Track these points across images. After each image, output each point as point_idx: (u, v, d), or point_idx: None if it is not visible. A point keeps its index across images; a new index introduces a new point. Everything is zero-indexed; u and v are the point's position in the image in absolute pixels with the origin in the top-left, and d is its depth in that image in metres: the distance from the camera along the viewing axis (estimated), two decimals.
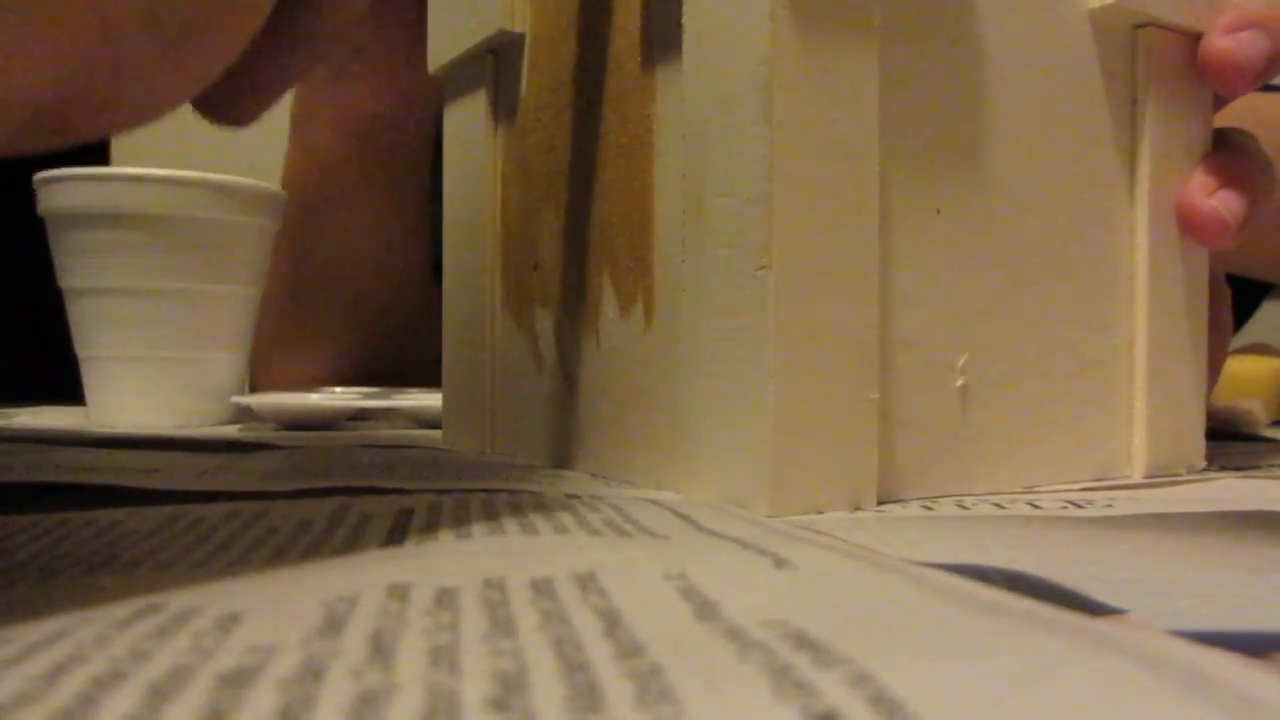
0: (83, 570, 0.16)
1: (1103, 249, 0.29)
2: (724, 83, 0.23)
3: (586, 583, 0.13)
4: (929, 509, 0.24)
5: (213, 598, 0.13)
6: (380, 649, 0.11)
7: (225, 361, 0.48)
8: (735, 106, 0.23)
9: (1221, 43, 0.29)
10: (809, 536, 0.19)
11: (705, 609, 0.12)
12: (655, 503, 0.22)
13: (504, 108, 0.35)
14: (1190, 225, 0.30)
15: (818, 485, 0.23)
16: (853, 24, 0.23)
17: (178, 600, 0.13)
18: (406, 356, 0.69)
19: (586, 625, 0.11)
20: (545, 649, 0.11)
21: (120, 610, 0.12)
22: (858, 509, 0.23)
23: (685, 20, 0.24)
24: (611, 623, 0.11)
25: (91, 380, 0.47)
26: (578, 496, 0.23)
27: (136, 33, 0.16)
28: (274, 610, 0.12)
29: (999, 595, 0.14)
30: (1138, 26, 0.29)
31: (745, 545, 0.16)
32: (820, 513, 0.23)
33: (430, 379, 0.69)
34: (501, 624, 0.11)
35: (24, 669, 0.10)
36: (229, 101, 0.20)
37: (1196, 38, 0.30)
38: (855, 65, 0.23)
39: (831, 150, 0.23)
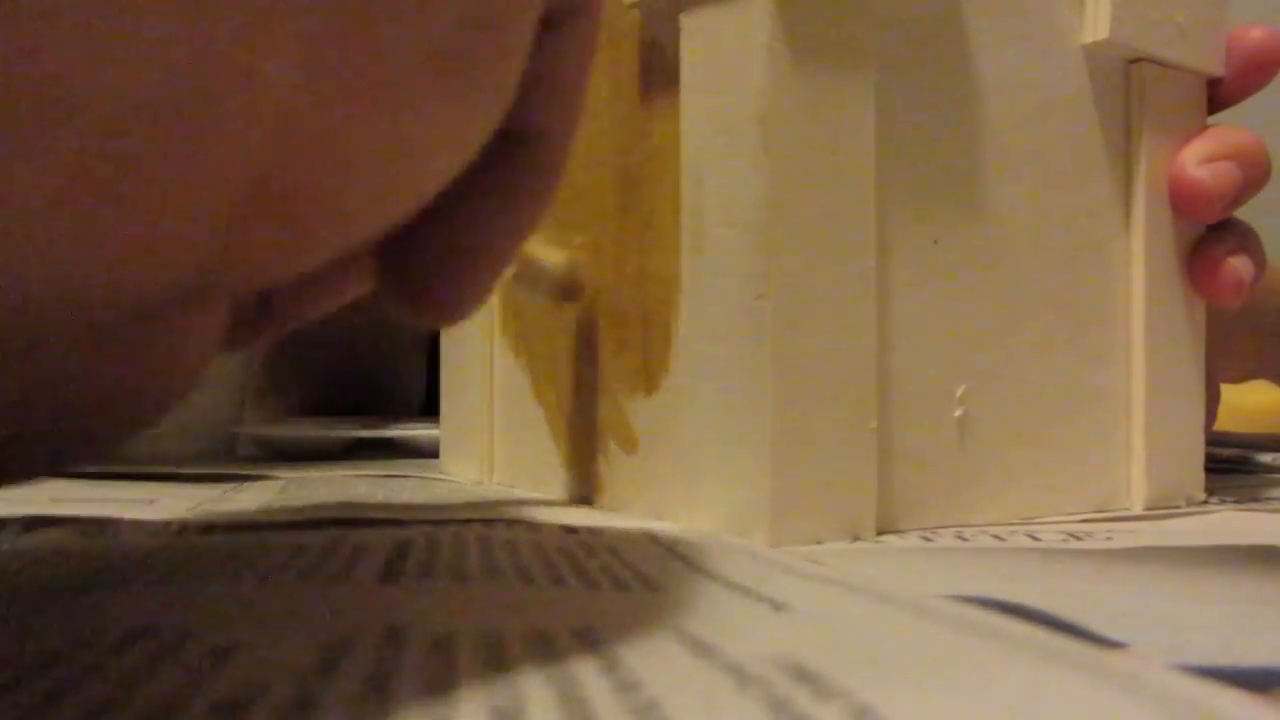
0: (78, 588, 0.15)
1: (1100, 280, 0.29)
2: (722, 114, 0.23)
3: (584, 634, 0.13)
4: (928, 540, 0.24)
5: (206, 626, 0.13)
6: (376, 684, 0.10)
7: (221, 392, 0.48)
8: (733, 137, 0.23)
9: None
10: (808, 570, 0.19)
11: (703, 650, 0.12)
12: (653, 539, 0.22)
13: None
14: (1177, 195, 0.30)
15: (817, 516, 0.23)
16: (849, 57, 0.23)
17: (171, 628, 0.13)
18: (394, 389, 0.69)
19: (584, 665, 0.11)
20: (542, 685, 0.11)
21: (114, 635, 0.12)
22: (857, 539, 0.23)
23: (683, 53, 0.24)
24: (610, 663, 0.11)
25: None
26: (575, 531, 0.23)
27: (399, 18, 0.10)
28: (268, 644, 0.12)
29: (1000, 622, 0.14)
30: (1130, 62, 0.30)
31: (745, 591, 0.16)
32: (820, 543, 0.22)
33: (415, 412, 0.69)
34: (498, 665, 0.11)
35: (15, 698, 0.10)
36: (436, 287, 0.15)
37: (1189, 73, 0.31)
38: (852, 97, 0.23)
39: (829, 181, 0.23)
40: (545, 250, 0.27)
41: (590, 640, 0.13)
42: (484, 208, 0.15)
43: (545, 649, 0.12)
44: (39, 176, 0.08)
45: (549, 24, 0.14)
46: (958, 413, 0.26)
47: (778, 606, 0.15)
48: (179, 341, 0.12)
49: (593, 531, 0.23)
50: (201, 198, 0.09)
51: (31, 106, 0.08)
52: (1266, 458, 0.45)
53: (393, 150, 0.11)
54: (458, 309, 0.15)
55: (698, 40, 0.24)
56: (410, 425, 0.51)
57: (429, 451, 0.45)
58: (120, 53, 0.08)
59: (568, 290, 0.27)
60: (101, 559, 0.19)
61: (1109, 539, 0.24)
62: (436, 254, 0.15)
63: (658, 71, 0.26)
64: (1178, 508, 0.30)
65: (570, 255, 0.28)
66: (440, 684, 0.11)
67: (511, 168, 0.15)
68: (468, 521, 0.24)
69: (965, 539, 0.24)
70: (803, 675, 0.11)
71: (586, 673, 0.11)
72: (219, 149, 0.09)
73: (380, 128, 0.11)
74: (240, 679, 0.11)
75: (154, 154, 0.09)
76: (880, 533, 0.24)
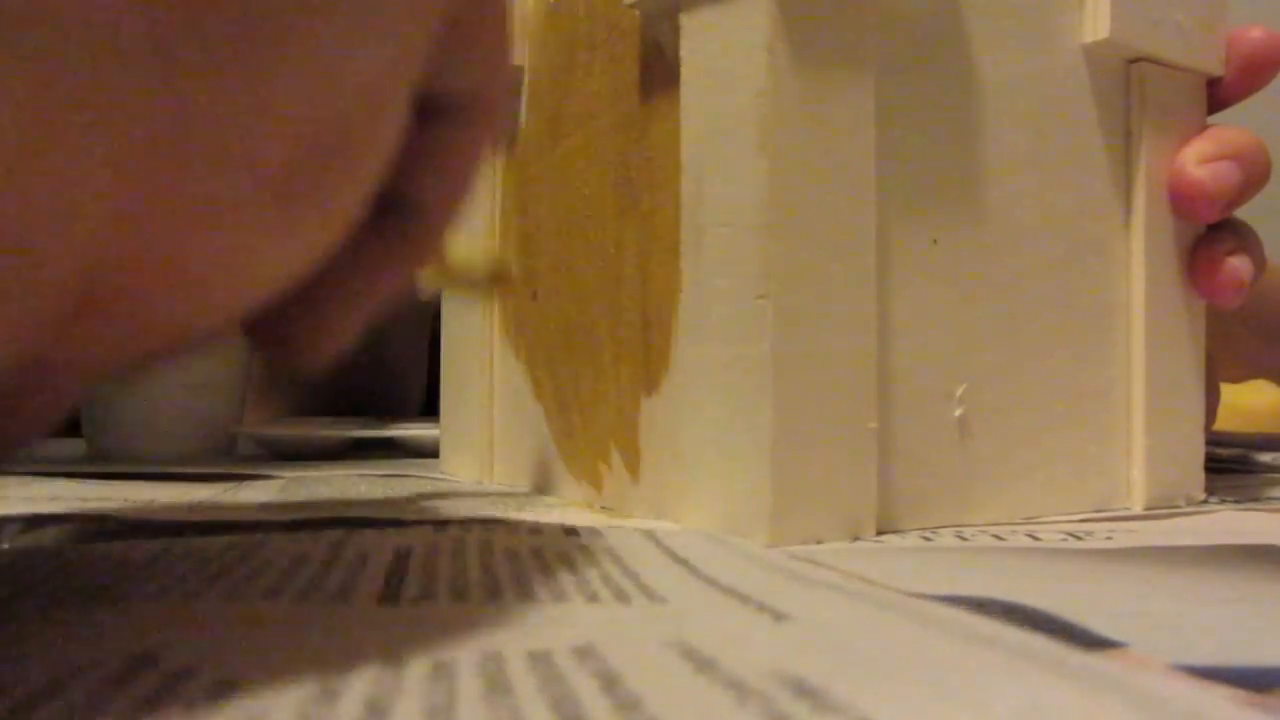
0: (80, 602, 0.15)
1: (1100, 280, 0.29)
2: (722, 115, 0.23)
3: (585, 653, 0.13)
4: (928, 540, 0.24)
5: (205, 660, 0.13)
6: (376, 709, 0.10)
7: (222, 391, 0.48)
8: (733, 138, 0.23)
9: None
10: (809, 575, 0.19)
11: (704, 665, 0.12)
12: (654, 542, 0.22)
13: (504, 138, 0.35)
14: (1177, 195, 0.30)
15: (817, 515, 0.23)
16: (849, 57, 0.23)
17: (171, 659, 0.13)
18: (391, 392, 0.69)
19: (584, 685, 0.11)
20: (543, 706, 0.10)
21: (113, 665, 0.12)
22: (857, 539, 0.23)
23: (683, 53, 0.24)
24: (610, 682, 0.11)
25: (89, 412, 0.47)
26: (576, 533, 0.23)
27: (229, 159, 0.12)
28: (268, 672, 0.12)
29: (998, 628, 0.14)
30: (1130, 61, 0.30)
31: (745, 600, 0.16)
32: (820, 543, 0.22)
33: (415, 412, 0.68)
34: (499, 686, 0.11)
35: None
36: (296, 335, 0.16)
37: (1189, 73, 0.31)
38: (852, 98, 0.23)
39: (828, 181, 0.23)
40: (465, 246, 0.28)
41: (591, 658, 0.13)
42: (345, 267, 0.15)
43: (546, 669, 0.12)
44: None
45: (440, 112, 0.16)
46: (958, 412, 0.26)
47: (779, 617, 0.15)
48: (17, 418, 0.13)
49: (593, 533, 0.23)
50: (16, 304, 0.11)
51: None
52: (1266, 458, 0.45)
53: (226, 263, 0.12)
54: (312, 354, 0.16)
55: (698, 40, 0.24)
56: (410, 425, 0.51)
57: (429, 451, 0.45)
58: None
59: (496, 278, 0.29)
60: (101, 562, 0.19)
61: (1109, 539, 0.24)
62: (290, 305, 0.15)
63: (658, 71, 0.26)
64: (1178, 508, 0.30)
65: (489, 250, 0.30)
66: (441, 709, 0.11)
67: (378, 233, 0.16)
68: (468, 523, 0.24)
69: (965, 539, 0.24)
70: (803, 690, 0.11)
71: (587, 692, 0.11)
72: (36, 262, 0.10)
73: (211, 247, 0.12)
74: (242, 714, 0.11)
75: None
76: (880, 532, 0.24)
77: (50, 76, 0.10)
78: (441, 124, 0.16)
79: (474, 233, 0.33)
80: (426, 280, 0.27)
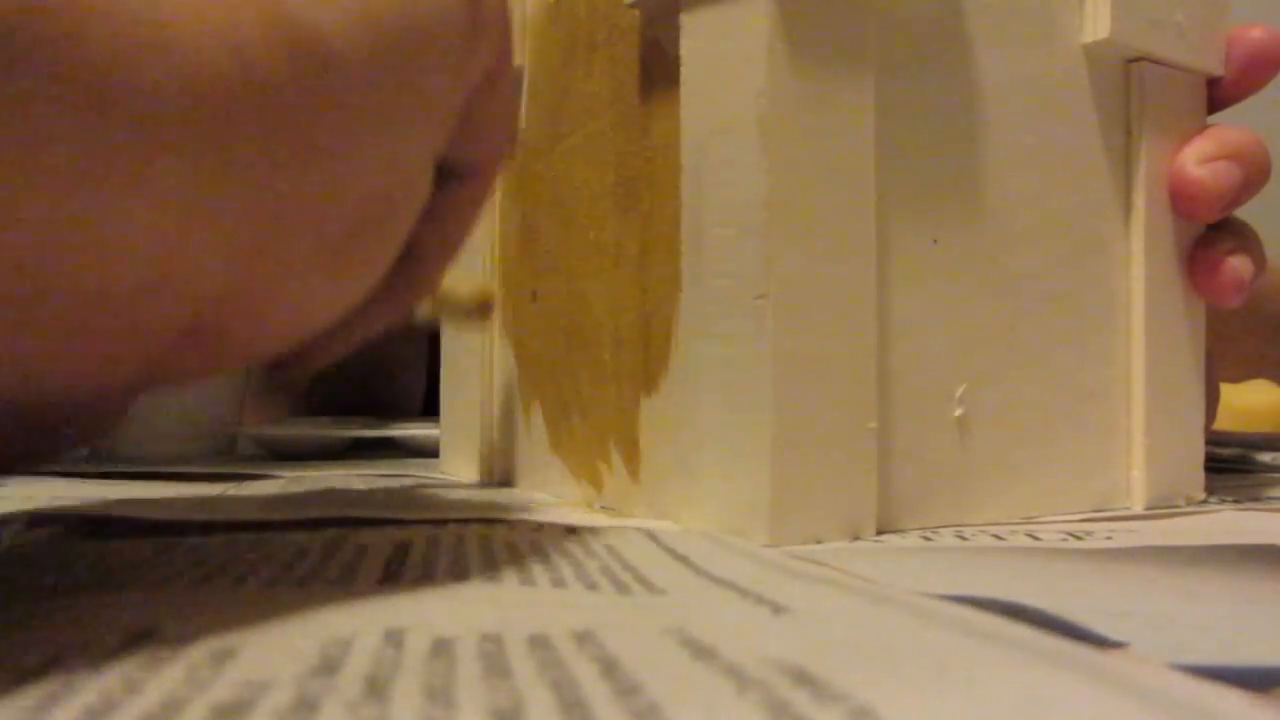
0: (80, 592, 0.15)
1: (1100, 280, 0.29)
2: (722, 113, 0.23)
3: (584, 639, 0.13)
4: (928, 539, 0.24)
5: (206, 629, 0.13)
6: (376, 687, 0.10)
7: (222, 391, 0.48)
8: (733, 137, 0.23)
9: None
10: (808, 571, 0.19)
11: (703, 652, 0.12)
12: (653, 539, 0.22)
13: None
14: (1177, 195, 0.30)
15: (817, 515, 0.23)
16: (849, 56, 0.23)
17: (172, 629, 0.13)
18: (391, 392, 0.69)
19: (584, 669, 0.11)
20: (543, 688, 0.11)
21: (113, 638, 0.12)
22: (857, 539, 0.23)
23: (684, 51, 0.24)
24: (609, 666, 0.11)
25: None
26: (575, 531, 0.23)
27: (303, 230, 0.15)
28: (268, 647, 0.12)
29: (999, 624, 0.14)
30: (1130, 61, 0.30)
31: (744, 593, 0.16)
32: (820, 542, 0.22)
33: (415, 412, 0.68)
34: (498, 668, 0.11)
35: (16, 700, 0.10)
36: (295, 354, 0.19)
37: (1189, 73, 0.31)
38: (852, 97, 0.23)
39: (828, 180, 0.23)
40: (456, 280, 0.31)
41: (590, 643, 0.13)
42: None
43: (545, 652, 0.12)
44: (35, 329, 0.13)
45: (448, 175, 0.19)
46: (958, 412, 0.26)
47: (778, 609, 0.15)
48: (119, 411, 0.18)
49: (593, 531, 0.23)
50: (146, 336, 0.14)
51: (29, 292, 0.12)
52: (1266, 457, 0.45)
53: (288, 310, 0.16)
54: (304, 367, 0.20)
55: (698, 40, 0.24)
56: (410, 425, 0.51)
57: (429, 451, 0.45)
58: (96, 254, 0.12)
59: (481, 311, 0.32)
60: (101, 559, 0.19)
61: (1109, 539, 0.24)
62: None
63: (658, 71, 0.26)
64: (1178, 508, 0.30)
65: (479, 283, 0.33)
66: (440, 686, 0.11)
67: (383, 282, 0.18)
68: (467, 521, 0.24)
69: (965, 538, 0.24)
70: (803, 678, 0.11)
71: (587, 676, 0.11)
72: (166, 308, 0.14)
73: (281, 298, 0.16)
74: (241, 681, 0.11)
75: (118, 313, 0.13)
76: (880, 532, 0.24)
77: (196, 172, 0.13)
78: (448, 185, 0.19)
79: (465, 265, 0.35)
80: (421, 311, 0.30)
